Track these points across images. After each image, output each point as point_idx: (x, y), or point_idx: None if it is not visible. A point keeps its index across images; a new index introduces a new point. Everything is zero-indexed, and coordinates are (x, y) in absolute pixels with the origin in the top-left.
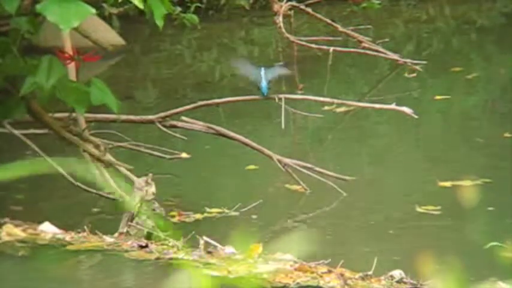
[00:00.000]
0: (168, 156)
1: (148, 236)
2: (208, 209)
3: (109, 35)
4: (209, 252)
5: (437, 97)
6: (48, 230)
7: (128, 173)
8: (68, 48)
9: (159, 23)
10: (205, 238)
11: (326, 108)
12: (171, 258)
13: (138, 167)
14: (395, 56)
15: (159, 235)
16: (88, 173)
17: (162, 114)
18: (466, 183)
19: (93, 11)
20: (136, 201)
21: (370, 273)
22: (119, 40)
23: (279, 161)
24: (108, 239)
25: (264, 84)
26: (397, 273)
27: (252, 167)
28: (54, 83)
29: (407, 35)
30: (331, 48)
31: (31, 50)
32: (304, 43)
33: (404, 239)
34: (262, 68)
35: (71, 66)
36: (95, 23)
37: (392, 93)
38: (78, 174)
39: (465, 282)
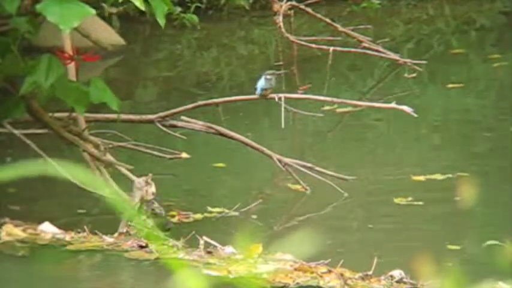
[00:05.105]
0: (168, 156)
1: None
2: (208, 209)
3: (109, 35)
4: (209, 252)
5: (450, 85)
6: (48, 230)
7: (128, 173)
8: (68, 48)
9: (161, 21)
10: (205, 238)
11: (327, 108)
12: (171, 258)
13: (138, 167)
14: (395, 56)
15: (159, 235)
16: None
17: (162, 114)
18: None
19: (93, 11)
20: (136, 201)
21: (370, 273)
22: (119, 40)
23: (279, 161)
24: (108, 239)
25: (261, 84)
26: (397, 273)
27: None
28: (52, 81)
29: (408, 35)
30: (331, 48)
31: (31, 50)
32: (304, 43)
33: (405, 239)
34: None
35: (71, 66)
36: (95, 23)
37: (393, 93)
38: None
39: (465, 281)
